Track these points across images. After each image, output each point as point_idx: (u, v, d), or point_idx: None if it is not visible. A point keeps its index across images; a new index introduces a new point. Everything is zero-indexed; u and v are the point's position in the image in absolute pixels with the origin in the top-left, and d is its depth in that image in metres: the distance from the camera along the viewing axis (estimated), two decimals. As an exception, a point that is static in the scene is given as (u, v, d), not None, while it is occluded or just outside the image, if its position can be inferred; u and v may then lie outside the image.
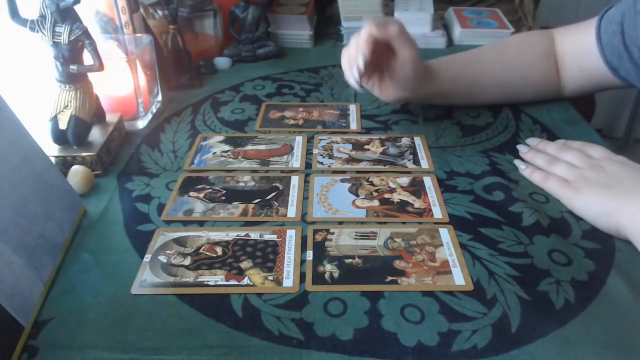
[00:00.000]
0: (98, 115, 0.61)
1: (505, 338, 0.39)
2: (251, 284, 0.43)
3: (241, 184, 0.56)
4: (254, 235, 0.49)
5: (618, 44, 0.60)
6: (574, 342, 0.38)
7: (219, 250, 0.47)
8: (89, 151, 0.57)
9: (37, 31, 0.53)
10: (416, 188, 0.55)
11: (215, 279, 0.44)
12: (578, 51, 0.66)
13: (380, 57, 0.60)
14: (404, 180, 0.56)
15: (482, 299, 0.42)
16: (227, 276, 0.44)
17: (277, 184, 0.56)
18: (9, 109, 0.44)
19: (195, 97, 0.75)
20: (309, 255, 0.46)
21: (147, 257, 0.46)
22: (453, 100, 0.70)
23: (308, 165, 0.59)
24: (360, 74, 0.58)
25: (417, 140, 0.64)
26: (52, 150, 0.57)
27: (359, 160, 0.60)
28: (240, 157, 0.61)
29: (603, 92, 0.74)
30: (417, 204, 0.53)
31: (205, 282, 0.44)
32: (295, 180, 0.56)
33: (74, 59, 0.54)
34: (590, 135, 0.64)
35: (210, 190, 0.55)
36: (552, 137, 0.62)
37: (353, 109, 0.72)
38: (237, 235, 0.49)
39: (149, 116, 0.70)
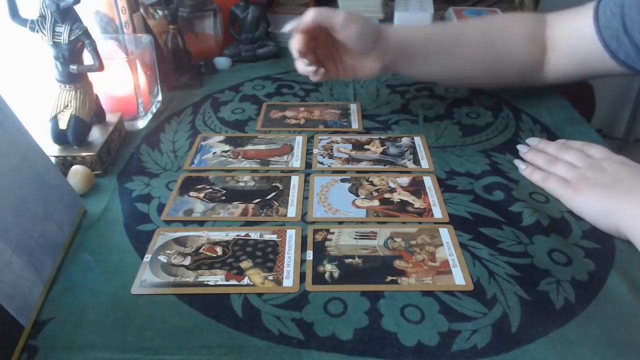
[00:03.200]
0: (98, 115, 0.61)
1: (505, 338, 0.39)
2: (251, 284, 0.43)
3: (241, 184, 0.56)
4: (254, 235, 0.49)
5: (617, 27, 0.58)
6: (574, 342, 0.38)
7: (219, 250, 0.47)
8: (89, 151, 0.57)
9: (37, 31, 0.53)
10: (416, 188, 0.55)
11: (215, 278, 0.44)
12: (573, 34, 0.64)
13: (329, 44, 0.63)
14: (404, 180, 0.56)
15: (482, 299, 0.42)
16: (227, 276, 0.44)
17: (277, 184, 0.56)
18: (9, 109, 0.44)
19: (195, 97, 0.75)
20: (309, 255, 0.46)
21: (147, 257, 0.46)
22: (433, 66, 0.66)
23: (308, 165, 0.59)
24: (294, 31, 0.60)
25: (417, 140, 0.64)
26: (52, 150, 0.57)
27: (359, 160, 0.60)
28: (240, 157, 0.61)
29: (603, 92, 0.73)
30: (417, 203, 0.53)
31: (205, 282, 0.44)
32: (295, 180, 0.56)
33: (74, 59, 0.54)
34: (590, 135, 0.64)
35: (210, 190, 0.55)
36: (552, 137, 0.62)
37: (354, 108, 0.72)
38: (237, 235, 0.49)
39: (149, 116, 0.70)
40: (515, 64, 0.67)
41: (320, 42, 0.63)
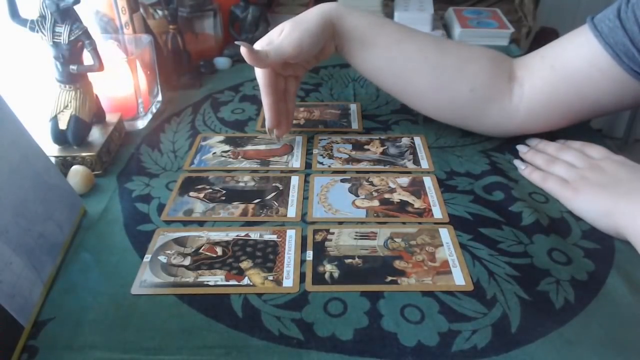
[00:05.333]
0: (98, 115, 0.61)
1: (505, 338, 0.39)
2: (251, 284, 0.43)
3: (241, 184, 0.56)
4: (254, 235, 0.49)
5: (623, 40, 0.51)
6: (574, 342, 0.38)
7: (219, 250, 0.47)
8: (89, 151, 0.57)
9: (37, 31, 0.53)
10: (416, 188, 0.55)
11: (215, 279, 0.44)
12: (554, 58, 0.56)
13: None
14: (404, 180, 0.56)
15: (482, 299, 0.42)
16: (227, 276, 0.44)
17: (277, 184, 0.56)
18: (9, 109, 0.44)
19: (195, 97, 0.75)
20: (309, 255, 0.46)
21: (147, 257, 0.46)
22: (372, 57, 0.60)
23: (308, 165, 0.59)
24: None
25: (417, 140, 0.64)
26: (52, 150, 0.57)
27: (359, 161, 0.60)
28: (240, 157, 0.61)
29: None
30: (417, 204, 0.53)
31: (205, 282, 0.44)
32: (295, 180, 0.56)
33: (74, 59, 0.54)
34: (590, 135, 0.64)
35: (210, 190, 0.55)
36: (552, 137, 0.62)
37: (354, 108, 0.72)
38: (237, 236, 0.49)
39: (149, 116, 0.70)
40: (470, 78, 0.58)
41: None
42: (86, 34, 0.54)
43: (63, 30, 0.53)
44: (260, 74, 0.58)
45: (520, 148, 0.61)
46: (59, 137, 0.57)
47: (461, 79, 0.58)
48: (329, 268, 0.45)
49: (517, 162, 0.59)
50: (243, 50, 0.53)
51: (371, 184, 0.56)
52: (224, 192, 0.55)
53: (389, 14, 0.95)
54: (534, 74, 0.58)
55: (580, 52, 0.54)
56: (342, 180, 0.57)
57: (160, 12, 0.79)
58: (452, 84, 0.59)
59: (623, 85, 0.53)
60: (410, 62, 0.59)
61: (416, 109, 0.64)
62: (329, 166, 0.59)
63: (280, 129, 0.61)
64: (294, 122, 0.68)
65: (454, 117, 0.62)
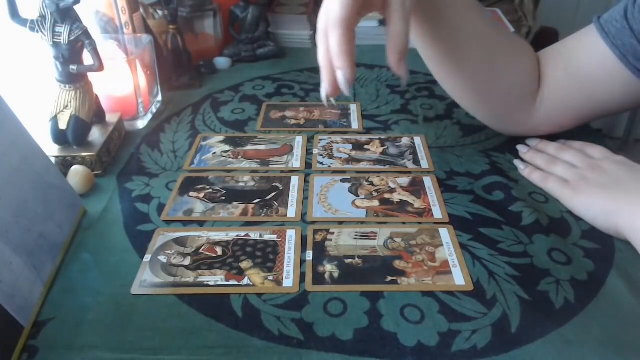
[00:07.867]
0: (98, 115, 0.61)
1: (505, 338, 0.39)
2: (251, 284, 0.43)
3: (241, 184, 0.56)
4: (254, 235, 0.49)
5: (630, 41, 0.51)
6: (574, 342, 0.38)
7: (219, 250, 0.47)
8: (89, 151, 0.57)
9: (37, 31, 0.53)
10: (416, 188, 0.55)
11: (215, 279, 0.44)
12: (565, 59, 0.56)
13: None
14: (404, 180, 0.56)
15: (482, 299, 0.42)
16: (227, 276, 0.44)
17: (277, 184, 0.56)
18: (9, 109, 0.44)
19: (195, 97, 0.75)
20: (309, 255, 0.46)
21: (147, 257, 0.46)
22: (436, 39, 0.54)
23: (308, 165, 0.59)
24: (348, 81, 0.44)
25: (417, 140, 0.64)
26: (52, 150, 0.57)
27: (359, 161, 0.60)
28: (240, 157, 0.61)
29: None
30: (417, 204, 0.53)
31: (205, 282, 0.44)
32: (295, 180, 0.56)
33: (74, 59, 0.54)
34: (590, 135, 0.64)
35: (210, 190, 0.55)
36: (552, 137, 0.62)
37: (354, 108, 0.72)
38: (237, 236, 0.49)
39: (149, 116, 0.70)
40: (515, 72, 0.57)
41: None
42: (86, 34, 0.54)
43: (63, 30, 0.53)
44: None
45: (520, 148, 0.61)
46: (59, 137, 0.57)
47: (509, 72, 0.56)
48: (329, 268, 0.45)
49: (517, 162, 0.59)
50: None
51: (371, 184, 0.56)
52: (224, 192, 0.55)
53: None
54: (549, 76, 0.58)
55: (589, 55, 0.54)
56: (342, 180, 0.57)
57: (160, 12, 0.79)
58: (500, 73, 0.56)
59: (629, 87, 0.53)
60: (474, 37, 0.54)
61: (449, 88, 0.60)
62: (329, 166, 0.59)
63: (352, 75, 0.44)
64: (294, 122, 0.68)
65: (483, 108, 0.60)
